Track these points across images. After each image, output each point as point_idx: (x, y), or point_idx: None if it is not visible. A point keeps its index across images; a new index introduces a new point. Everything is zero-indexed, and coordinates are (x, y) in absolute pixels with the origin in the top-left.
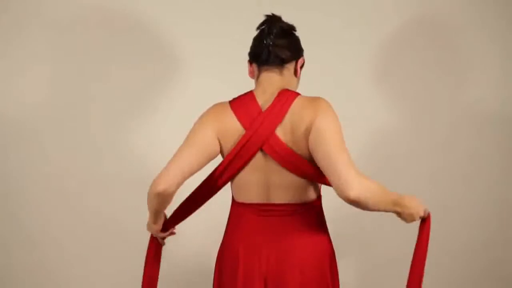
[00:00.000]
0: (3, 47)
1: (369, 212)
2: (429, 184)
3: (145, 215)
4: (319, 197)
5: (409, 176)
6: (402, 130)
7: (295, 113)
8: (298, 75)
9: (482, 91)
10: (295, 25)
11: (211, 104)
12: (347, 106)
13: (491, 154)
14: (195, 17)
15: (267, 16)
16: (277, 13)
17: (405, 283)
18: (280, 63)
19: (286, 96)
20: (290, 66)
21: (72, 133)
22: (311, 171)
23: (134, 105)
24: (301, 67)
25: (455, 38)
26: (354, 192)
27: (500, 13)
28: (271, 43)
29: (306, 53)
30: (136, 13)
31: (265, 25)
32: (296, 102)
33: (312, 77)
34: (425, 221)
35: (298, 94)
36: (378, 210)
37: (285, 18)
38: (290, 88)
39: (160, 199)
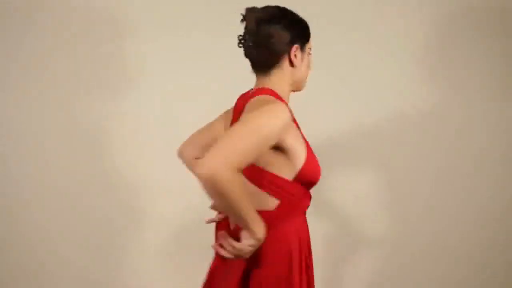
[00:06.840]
0: None
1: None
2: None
3: (144, 217)
4: (280, 207)
5: (410, 176)
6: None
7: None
8: (294, 65)
9: None
10: None
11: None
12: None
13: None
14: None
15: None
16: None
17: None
18: (259, 69)
19: (247, 97)
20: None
21: (71, 133)
22: (247, 172)
23: (130, 107)
24: (308, 53)
25: None
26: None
27: None
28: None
29: None
30: None
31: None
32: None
33: None
34: None
35: (260, 93)
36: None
37: None
38: (287, 82)
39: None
